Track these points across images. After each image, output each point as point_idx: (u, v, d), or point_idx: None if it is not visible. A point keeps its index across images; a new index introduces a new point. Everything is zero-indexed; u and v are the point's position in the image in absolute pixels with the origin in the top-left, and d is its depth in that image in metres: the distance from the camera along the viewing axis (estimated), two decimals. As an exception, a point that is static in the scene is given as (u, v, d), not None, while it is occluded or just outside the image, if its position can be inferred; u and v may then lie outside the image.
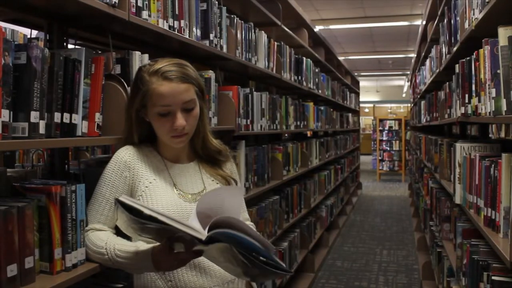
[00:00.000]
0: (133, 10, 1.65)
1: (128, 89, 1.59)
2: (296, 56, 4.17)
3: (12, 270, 1.17)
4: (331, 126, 6.15)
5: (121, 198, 1.18)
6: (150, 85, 1.36)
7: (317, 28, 5.70)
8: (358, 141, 10.45)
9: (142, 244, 1.31)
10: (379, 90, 22.05)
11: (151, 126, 1.44)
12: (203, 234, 1.16)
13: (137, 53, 1.70)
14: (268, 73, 3.28)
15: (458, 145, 2.50)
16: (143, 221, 1.16)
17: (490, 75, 1.77)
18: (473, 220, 2.06)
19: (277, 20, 3.55)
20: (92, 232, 1.40)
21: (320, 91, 5.26)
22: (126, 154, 1.43)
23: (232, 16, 2.62)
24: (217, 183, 1.50)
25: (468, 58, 2.27)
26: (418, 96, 6.36)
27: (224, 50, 2.45)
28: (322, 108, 5.42)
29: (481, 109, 1.95)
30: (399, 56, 14.41)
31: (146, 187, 1.40)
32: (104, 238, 1.36)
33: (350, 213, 7.58)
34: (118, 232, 1.40)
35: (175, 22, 1.96)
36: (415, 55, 7.82)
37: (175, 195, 1.41)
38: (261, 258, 1.16)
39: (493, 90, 1.69)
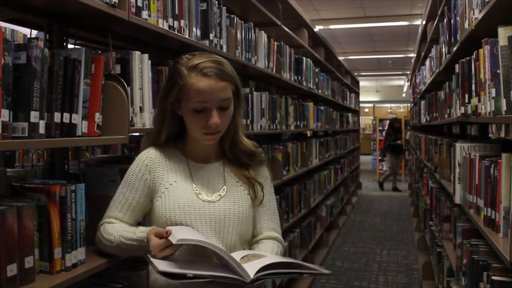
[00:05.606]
0: (133, 10, 1.66)
1: (128, 89, 1.59)
2: (296, 56, 4.16)
3: (12, 269, 1.18)
4: (331, 126, 6.15)
5: (163, 269, 1.19)
6: (189, 79, 1.35)
7: (317, 28, 5.70)
8: (358, 141, 10.44)
9: (140, 230, 1.37)
10: (379, 90, 22.04)
11: (182, 122, 1.43)
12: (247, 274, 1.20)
13: (137, 53, 1.70)
14: (268, 73, 3.28)
15: (458, 145, 2.50)
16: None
17: (490, 75, 1.77)
18: (473, 220, 2.06)
19: (277, 20, 3.55)
20: (106, 224, 1.44)
21: (320, 91, 5.26)
22: (148, 158, 1.45)
23: (232, 16, 2.62)
24: (241, 185, 1.48)
25: (468, 58, 2.26)
26: (418, 96, 6.36)
27: (224, 50, 2.45)
28: (322, 108, 5.42)
29: (481, 109, 1.94)
30: (399, 56, 14.40)
31: (166, 188, 1.42)
32: (114, 228, 1.42)
33: (350, 213, 7.58)
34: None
35: (175, 22, 1.96)
36: (415, 55, 7.82)
37: (194, 195, 1.41)
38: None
39: (493, 90, 1.69)
